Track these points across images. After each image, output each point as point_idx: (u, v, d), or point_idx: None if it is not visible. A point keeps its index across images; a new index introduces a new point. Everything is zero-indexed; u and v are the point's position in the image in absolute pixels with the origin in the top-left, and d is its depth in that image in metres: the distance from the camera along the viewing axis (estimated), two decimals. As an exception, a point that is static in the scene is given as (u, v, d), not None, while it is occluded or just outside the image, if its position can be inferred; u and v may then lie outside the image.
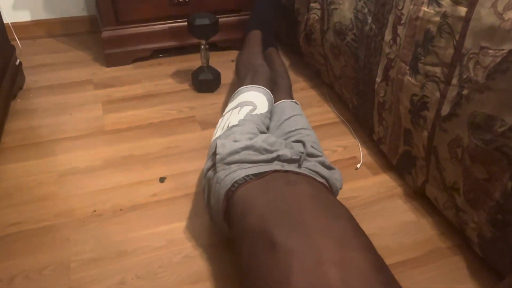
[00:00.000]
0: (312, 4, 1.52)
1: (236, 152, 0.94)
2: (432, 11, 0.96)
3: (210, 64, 1.63)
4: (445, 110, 0.96)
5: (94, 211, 1.11)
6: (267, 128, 1.16)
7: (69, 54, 1.85)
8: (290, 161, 0.98)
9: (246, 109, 1.11)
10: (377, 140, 1.31)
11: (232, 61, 1.82)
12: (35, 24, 1.96)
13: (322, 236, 0.73)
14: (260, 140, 0.98)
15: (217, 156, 0.94)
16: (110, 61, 1.75)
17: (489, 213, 0.90)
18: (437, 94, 0.98)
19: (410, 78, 1.06)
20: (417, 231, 1.07)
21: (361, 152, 1.33)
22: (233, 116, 1.09)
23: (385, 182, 1.22)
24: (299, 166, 0.98)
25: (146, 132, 1.40)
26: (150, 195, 1.16)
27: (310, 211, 0.80)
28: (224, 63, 1.79)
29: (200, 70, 1.61)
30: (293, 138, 1.10)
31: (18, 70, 1.58)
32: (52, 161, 1.27)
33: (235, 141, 0.99)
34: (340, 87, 1.50)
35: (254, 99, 1.16)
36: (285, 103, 1.25)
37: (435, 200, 1.10)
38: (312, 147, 1.04)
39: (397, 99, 1.13)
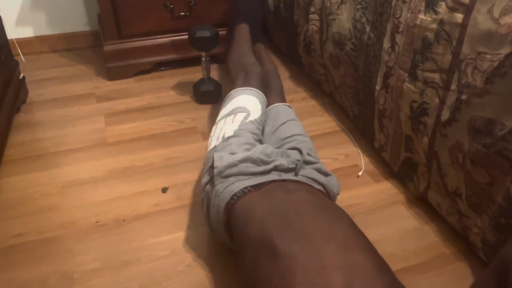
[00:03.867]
0: (311, 15, 1.54)
1: (234, 165, 0.94)
2: (429, 19, 0.98)
3: (211, 76, 1.64)
4: (445, 115, 0.97)
5: (97, 221, 1.11)
6: (262, 132, 1.16)
7: (72, 68, 1.87)
8: (287, 170, 0.98)
9: (240, 117, 1.09)
10: (378, 147, 1.32)
11: (233, 73, 1.84)
12: (38, 39, 1.99)
13: (324, 240, 0.73)
14: (257, 152, 0.97)
15: (215, 170, 0.93)
16: (112, 74, 1.77)
17: (492, 218, 0.90)
18: (437, 100, 0.99)
19: (409, 85, 1.07)
20: (420, 238, 1.07)
21: (363, 160, 1.33)
22: (227, 125, 1.08)
23: (387, 189, 1.22)
24: (296, 174, 0.98)
25: (148, 143, 1.41)
26: (152, 205, 1.16)
27: (311, 217, 0.80)
28: (224, 75, 1.81)
29: (201, 82, 1.63)
30: (288, 145, 1.10)
31: (22, 85, 1.60)
32: (55, 172, 1.28)
33: (232, 153, 0.98)
34: (340, 96, 1.51)
35: (247, 104, 1.14)
36: (279, 107, 1.25)
37: (437, 206, 1.10)
38: (308, 154, 1.04)
39: (397, 106, 1.14)
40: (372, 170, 1.29)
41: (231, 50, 1.55)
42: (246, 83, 1.23)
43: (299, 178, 0.97)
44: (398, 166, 1.23)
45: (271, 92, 1.33)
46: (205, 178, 0.98)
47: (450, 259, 1.02)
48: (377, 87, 1.23)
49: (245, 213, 0.85)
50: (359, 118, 1.41)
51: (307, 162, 1.02)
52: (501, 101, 0.82)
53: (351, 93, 1.41)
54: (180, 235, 1.08)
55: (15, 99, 1.50)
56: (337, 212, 0.85)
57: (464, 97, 0.90)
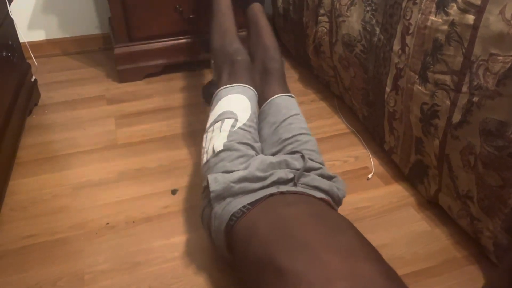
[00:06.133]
0: (320, 17, 1.54)
1: (231, 187, 0.90)
2: (440, 20, 0.97)
3: (221, 78, 1.65)
4: (456, 117, 0.96)
5: (107, 223, 1.12)
6: (258, 129, 1.10)
7: (83, 71, 1.89)
8: (286, 181, 0.94)
9: (227, 125, 1.02)
10: (388, 150, 1.31)
11: (242, 75, 1.84)
12: (50, 42, 2.02)
13: (328, 252, 0.72)
14: (253, 169, 0.93)
15: (212, 194, 0.90)
16: (122, 77, 1.78)
17: (504, 221, 0.89)
18: (448, 102, 0.98)
19: (419, 87, 1.06)
20: (431, 241, 1.06)
21: (372, 162, 1.33)
22: (216, 135, 1.02)
23: (397, 191, 1.21)
24: (295, 185, 0.94)
25: (158, 145, 1.41)
26: (162, 207, 1.17)
27: (313, 229, 0.78)
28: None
29: (210, 84, 1.63)
30: (290, 147, 1.04)
31: (34, 87, 1.62)
32: (66, 174, 1.29)
33: (226, 171, 0.94)
34: (350, 98, 1.50)
35: (233, 107, 1.06)
36: (279, 99, 1.15)
37: (448, 209, 1.09)
38: (310, 159, 1.00)
39: (407, 108, 1.13)
40: (382, 173, 1.29)
41: (211, 32, 1.37)
42: (232, 78, 1.14)
43: (298, 188, 0.93)
44: (408, 169, 1.22)
45: (271, 78, 1.21)
46: (203, 202, 0.96)
47: (461, 263, 1.00)
48: (387, 89, 1.22)
49: (245, 233, 0.83)
50: (369, 120, 1.40)
51: (309, 169, 0.98)
52: (513, 103, 0.82)
53: (361, 95, 1.40)
54: (190, 236, 1.08)
55: (27, 102, 1.52)
56: (339, 221, 0.83)
57: (475, 99, 0.89)
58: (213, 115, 1.08)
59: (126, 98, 1.68)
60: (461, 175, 0.99)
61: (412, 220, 1.12)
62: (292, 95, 1.19)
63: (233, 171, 0.94)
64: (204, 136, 1.06)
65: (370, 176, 1.27)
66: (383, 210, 1.15)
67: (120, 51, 1.74)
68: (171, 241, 1.07)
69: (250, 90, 1.13)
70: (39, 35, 2.00)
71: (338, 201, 1.01)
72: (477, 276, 0.97)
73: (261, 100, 1.18)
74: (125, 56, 1.75)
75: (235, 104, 1.08)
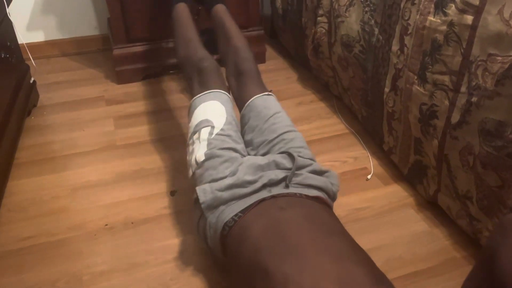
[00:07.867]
0: (319, 18, 1.54)
1: (220, 195, 0.90)
2: (439, 20, 0.97)
3: (220, 78, 1.64)
4: (455, 118, 0.96)
5: (106, 224, 1.12)
6: (242, 130, 1.11)
7: (82, 72, 1.89)
8: (278, 182, 0.93)
9: (205, 134, 1.02)
10: (387, 150, 1.31)
11: (241, 75, 1.84)
12: (49, 44, 2.02)
13: (319, 255, 0.72)
14: (242, 174, 0.93)
15: (202, 205, 0.90)
16: (121, 78, 1.78)
17: (504, 221, 0.89)
18: (446, 102, 0.98)
19: (418, 87, 1.06)
20: (430, 241, 1.06)
21: (372, 163, 1.32)
22: (196, 146, 1.02)
23: (396, 192, 1.21)
24: (287, 186, 0.93)
25: (157, 146, 1.41)
26: (161, 208, 1.17)
27: (304, 232, 0.78)
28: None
29: (209, 84, 1.63)
30: (276, 148, 1.03)
31: (32, 88, 1.62)
32: (65, 175, 1.29)
33: (214, 179, 0.94)
34: (349, 98, 1.50)
35: (208, 114, 1.06)
36: (256, 100, 1.12)
37: (447, 209, 1.08)
38: (300, 156, 0.98)
39: (406, 108, 1.13)
40: (381, 173, 1.29)
41: (175, 43, 1.36)
42: (202, 86, 1.13)
43: (291, 189, 0.92)
44: (407, 169, 1.22)
45: (245, 79, 1.18)
46: (196, 214, 0.96)
47: (461, 263, 1.00)
48: (386, 90, 1.22)
49: (237, 239, 0.83)
50: (368, 120, 1.40)
51: (300, 167, 0.96)
52: (512, 103, 0.82)
53: (360, 95, 1.40)
54: (189, 238, 1.08)
55: (26, 103, 1.52)
56: (332, 225, 0.83)
57: (474, 99, 0.89)
58: (191, 127, 1.07)
59: (125, 99, 1.68)
60: (460, 175, 0.99)
61: (411, 221, 1.12)
62: (270, 93, 1.16)
63: (220, 178, 0.94)
64: (187, 150, 1.06)
65: (369, 176, 1.27)
66: (383, 210, 1.15)
67: (118, 52, 1.74)
68: (170, 242, 1.07)
69: (223, 94, 1.12)
70: (37, 36, 2.00)
71: (333, 196, 0.99)
72: (477, 277, 0.97)
73: (240, 103, 1.17)
74: (124, 57, 1.75)
75: (209, 111, 1.06)
